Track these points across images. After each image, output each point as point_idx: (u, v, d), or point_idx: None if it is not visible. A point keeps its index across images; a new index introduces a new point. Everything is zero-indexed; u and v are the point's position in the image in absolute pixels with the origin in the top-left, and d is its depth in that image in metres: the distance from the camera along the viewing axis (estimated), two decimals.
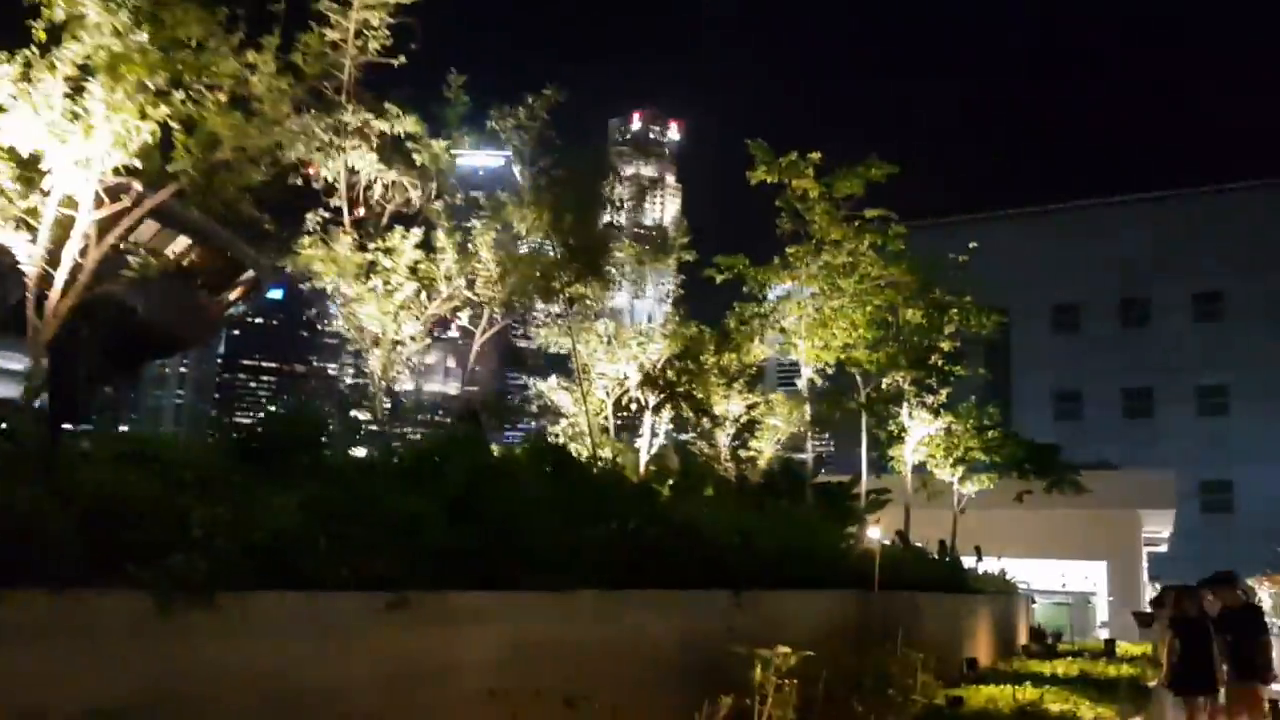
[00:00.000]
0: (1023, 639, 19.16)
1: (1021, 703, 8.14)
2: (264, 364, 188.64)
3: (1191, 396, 53.87)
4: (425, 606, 4.18)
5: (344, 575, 3.96)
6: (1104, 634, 24.80)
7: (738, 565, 8.04)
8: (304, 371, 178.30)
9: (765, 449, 13.07)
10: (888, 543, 16.09)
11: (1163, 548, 35.83)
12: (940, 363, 16.26)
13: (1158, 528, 31.01)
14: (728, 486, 11.84)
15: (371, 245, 9.16)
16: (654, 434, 12.34)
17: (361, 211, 9.31)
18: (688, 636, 6.80)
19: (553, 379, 12.99)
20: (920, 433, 16.65)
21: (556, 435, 11.93)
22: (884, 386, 16.59)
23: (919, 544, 17.66)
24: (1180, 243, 54.39)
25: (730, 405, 12.73)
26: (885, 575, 11.77)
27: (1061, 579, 27.01)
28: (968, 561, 19.23)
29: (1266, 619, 13.17)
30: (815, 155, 14.40)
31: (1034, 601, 24.89)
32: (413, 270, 9.14)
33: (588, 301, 11.49)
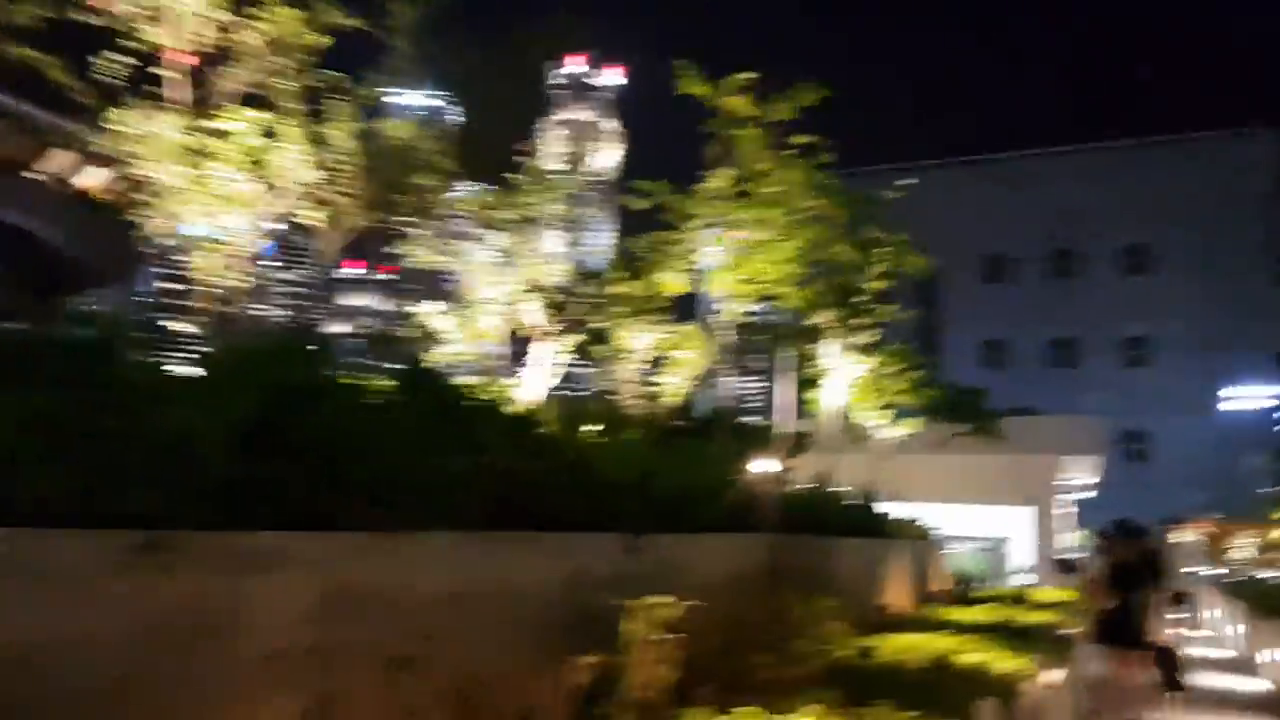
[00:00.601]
0: (941, 585, 18.91)
1: (935, 654, 7.58)
2: None
3: (1115, 348, 54.65)
4: (196, 549, 3.35)
5: (84, 510, 3.12)
6: (1023, 580, 24.86)
7: (635, 506, 7.32)
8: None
9: (677, 385, 12.32)
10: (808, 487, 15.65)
11: (1090, 494, 36.17)
12: (868, 302, 15.67)
13: (1084, 475, 31.14)
14: (635, 424, 11.12)
15: (204, 124, 8.08)
16: (551, 365, 11.46)
17: (190, 86, 8.16)
18: (568, 587, 6.06)
19: (439, 304, 11.99)
20: (845, 374, 16.09)
21: (438, 365, 10.96)
22: (810, 326, 15.99)
23: (846, 489, 17.22)
24: (1110, 195, 54.77)
25: (640, 337, 11.92)
26: (800, 519, 11.22)
27: (982, 524, 26.99)
28: (890, 507, 18.88)
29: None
30: (746, 75, 13.59)
31: (951, 547, 24.85)
32: (253, 161, 8.09)
33: (491, 212, 10.54)
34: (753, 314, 13.45)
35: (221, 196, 7.92)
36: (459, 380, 7.23)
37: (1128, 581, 12.36)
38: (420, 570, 4.64)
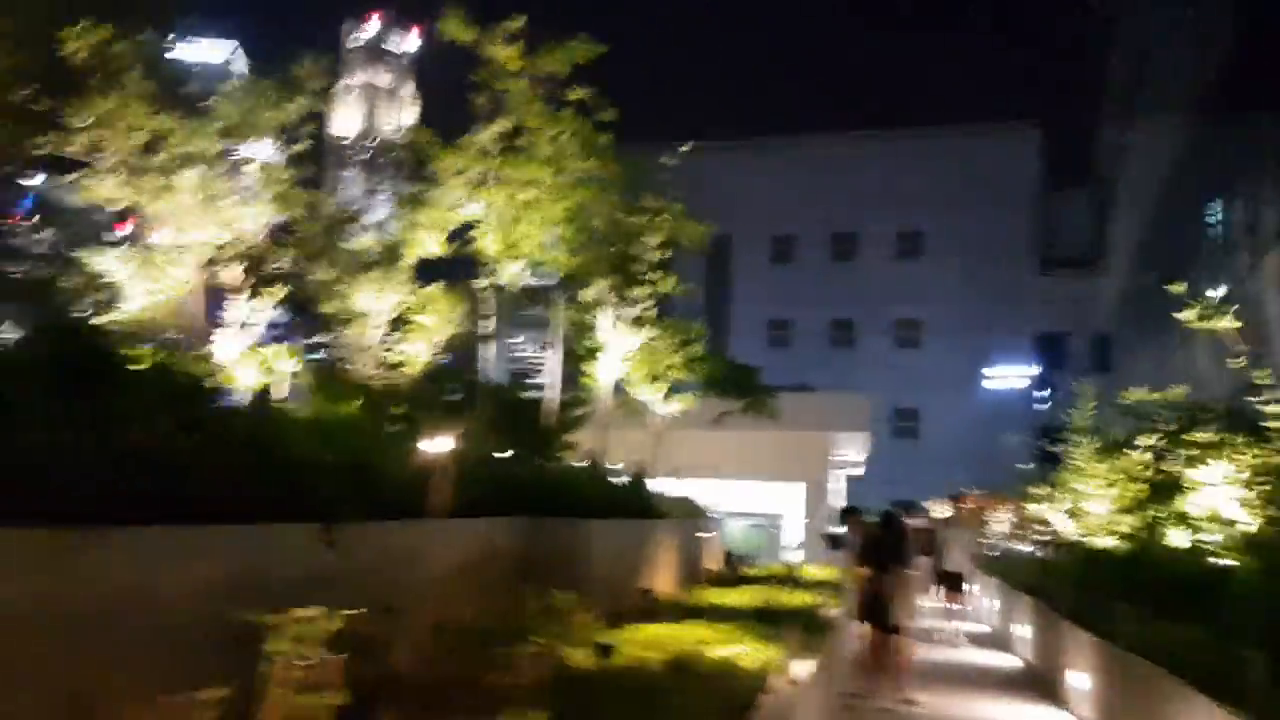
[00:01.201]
0: (712, 564, 18.61)
1: (681, 651, 6.91)
2: None
3: (890, 329, 57.04)
4: None
5: None
6: (796, 556, 25.16)
7: (344, 491, 6.25)
8: None
9: (421, 353, 11.16)
10: (580, 464, 14.91)
11: (857, 470, 37.30)
12: (645, 272, 15.02)
13: (853, 451, 31.98)
14: (373, 396, 9.97)
15: None
16: (251, 326, 9.98)
17: None
18: (234, 592, 4.96)
19: (116, 250, 10.14)
20: (621, 347, 15.41)
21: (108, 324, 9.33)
22: (584, 294, 15.22)
23: (619, 466, 16.59)
24: (889, 181, 56.94)
25: (378, 298, 10.67)
26: (558, 500, 10.42)
27: (758, 501, 27.19)
28: (664, 485, 18.44)
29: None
30: (515, 23, 12.60)
31: (727, 525, 24.86)
32: None
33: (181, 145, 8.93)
34: (522, 279, 12.50)
35: None
36: (126, 342, 5.91)
37: (879, 559, 12.29)
38: None
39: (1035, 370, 32.91)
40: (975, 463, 46.29)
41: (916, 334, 56.95)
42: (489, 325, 11.73)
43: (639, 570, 12.47)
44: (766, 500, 27.48)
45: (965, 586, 17.79)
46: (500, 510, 9.32)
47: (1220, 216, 24.14)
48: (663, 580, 14.14)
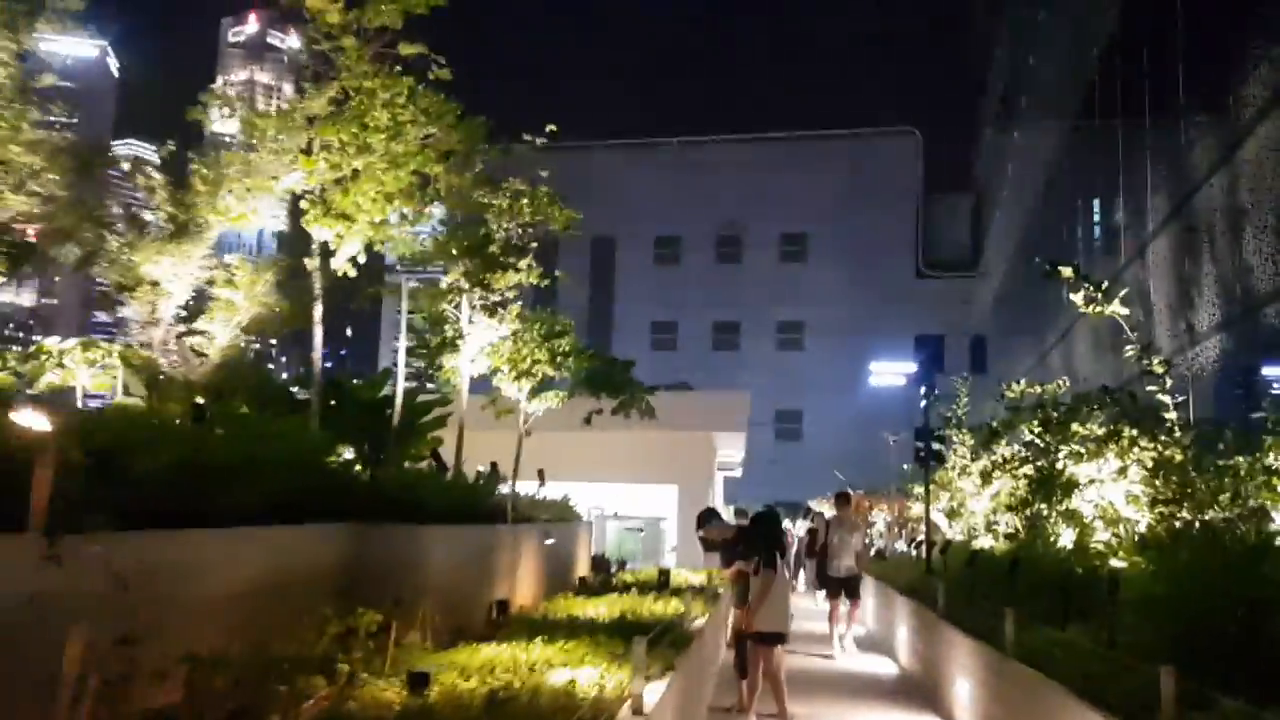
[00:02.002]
0: (583, 570, 17.57)
1: (508, 681, 5.86)
2: None
3: (772, 331, 57.02)
4: None
5: None
6: (672, 560, 24.32)
7: (75, 494, 5.01)
8: None
9: (224, 335, 9.78)
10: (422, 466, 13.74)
11: (737, 472, 36.74)
12: (505, 257, 13.93)
13: (731, 451, 31.37)
14: (168, 387, 8.63)
15: None
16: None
17: None
18: None
19: None
20: (480, 338, 14.27)
21: None
22: (436, 279, 14.06)
23: (484, 469, 15.45)
24: (773, 184, 56.99)
25: (169, 269, 9.24)
26: (397, 505, 9.27)
27: (637, 503, 26.26)
28: (535, 488, 17.34)
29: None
30: None
31: (600, 528, 23.85)
32: None
33: None
34: (360, 258, 11.23)
35: None
36: None
37: (747, 561, 11.52)
38: None
39: (915, 368, 32.76)
40: (858, 463, 46.47)
41: (799, 336, 57.06)
42: (317, 308, 10.40)
43: (492, 580, 11.37)
44: (648, 503, 26.57)
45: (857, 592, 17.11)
46: (327, 516, 8.13)
47: (1099, 217, 24.45)
48: (524, 590, 13.05)
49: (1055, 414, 11.06)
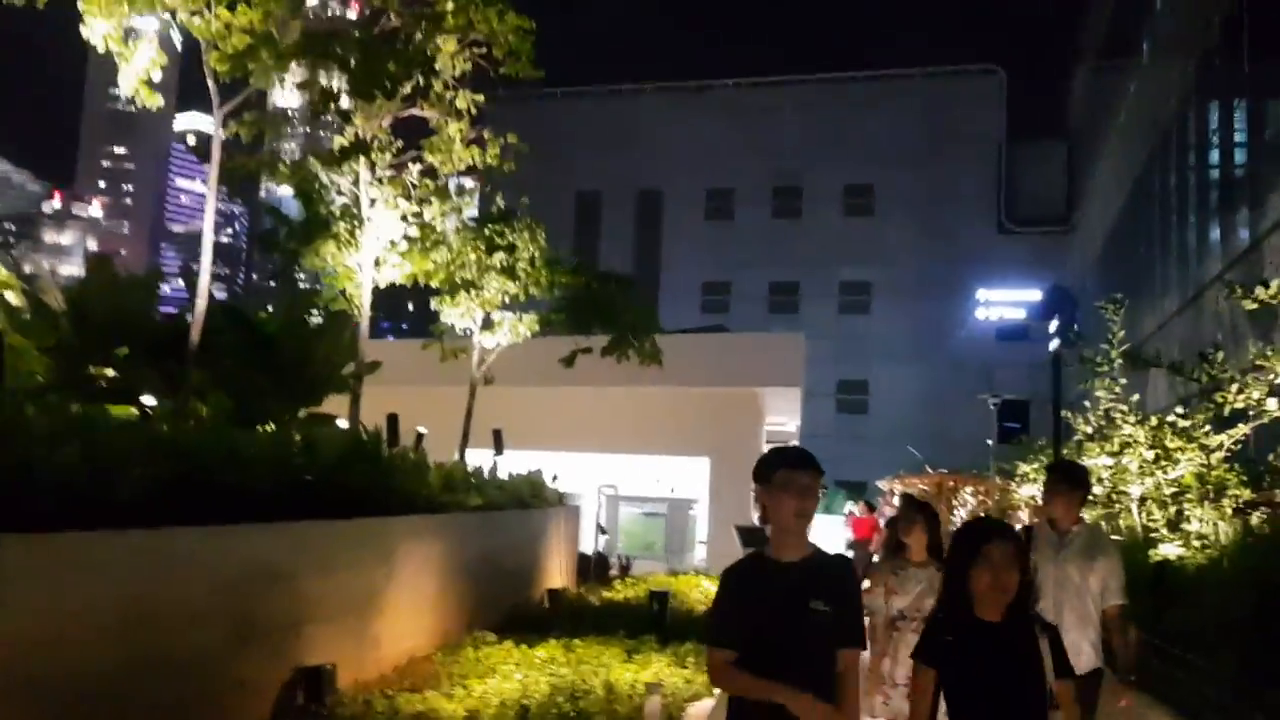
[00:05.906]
0: (557, 578, 12.36)
1: None
2: None
3: (835, 293, 51.42)
4: None
5: None
6: (701, 555, 19.24)
7: None
8: None
9: None
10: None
11: (792, 444, 31.40)
12: (428, 90, 9.03)
13: (782, 419, 25.76)
14: None
15: None
16: None
17: None
18: None
19: None
20: (388, 226, 9.38)
21: None
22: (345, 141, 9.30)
23: (421, 430, 10.61)
24: (836, 131, 51.28)
25: None
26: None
27: (661, 481, 20.97)
28: (504, 459, 12.48)
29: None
30: None
31: (607, 514, 18.81)
32: None
33: None
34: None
35: None
36: None
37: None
38: None
39: (1039, 296, 26.53)
40: (930, 439, 40.96)
41: (866, 298, 51.32)
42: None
43: (379, 605, 6.48)
44: (674, 479, 21.07)
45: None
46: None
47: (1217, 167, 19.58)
48: (429, 624, 8.15)
49: None
